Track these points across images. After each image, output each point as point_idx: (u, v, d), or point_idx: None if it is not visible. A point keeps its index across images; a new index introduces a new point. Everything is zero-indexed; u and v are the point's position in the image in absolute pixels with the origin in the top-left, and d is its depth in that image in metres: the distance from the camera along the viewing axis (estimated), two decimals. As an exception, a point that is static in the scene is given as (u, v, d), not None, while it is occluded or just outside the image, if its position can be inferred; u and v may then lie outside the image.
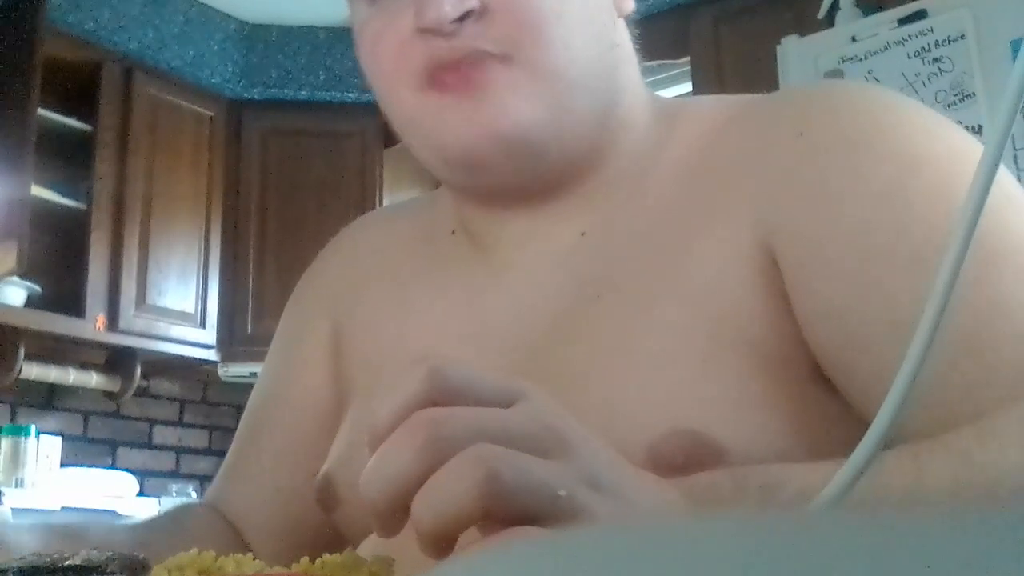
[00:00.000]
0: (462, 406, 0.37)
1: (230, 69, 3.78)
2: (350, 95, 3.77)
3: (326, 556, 0.37)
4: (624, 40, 0.70)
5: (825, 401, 0.56)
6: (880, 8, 2.59)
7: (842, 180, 0.57)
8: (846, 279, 0.54)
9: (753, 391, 0.55)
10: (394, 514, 0.36)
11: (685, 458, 0.53)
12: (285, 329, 0.85)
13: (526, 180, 0.66)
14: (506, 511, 0.34)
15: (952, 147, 0.57)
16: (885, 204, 0.55)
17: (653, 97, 0.74)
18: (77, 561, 0.35)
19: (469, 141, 0.62)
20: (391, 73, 0.65)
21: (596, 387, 0.58)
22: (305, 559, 0.36)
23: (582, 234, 0.67)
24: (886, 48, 2.45)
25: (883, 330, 0.53)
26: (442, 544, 0.34)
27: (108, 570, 0.36)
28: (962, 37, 2.33)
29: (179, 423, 3.80)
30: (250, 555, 0.37)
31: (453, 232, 0.74)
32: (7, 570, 0.36)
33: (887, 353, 0.52)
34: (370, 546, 0.65)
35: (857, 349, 0.54)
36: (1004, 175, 0.51)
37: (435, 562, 0.34)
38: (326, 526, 0.74)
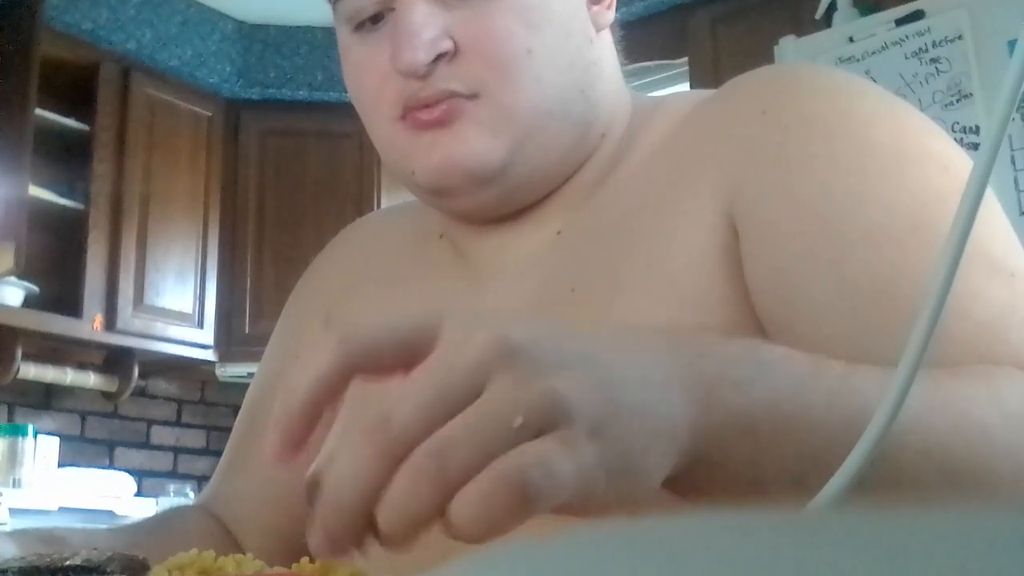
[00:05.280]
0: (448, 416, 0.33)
1: (228, 69, 3.77)
2: (348, 95, 3.77)
3: (326, 556, 0.37)
4: (603, 54, 0.71)
5: None
6: (877, 8, 2.59)
7: (799, 156, 0.59)
8: (794, 247, 0.57)
9: None
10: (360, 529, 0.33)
11: None
12: (281, 330, 0.87)
13: (495, 204, 0.68)
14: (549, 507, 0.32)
15: (904, 131, 0.60)
16: (837, 181, 0.57)
17: (635, 98, 0.75)
18: (77, 561, 0.36)
19: (434, 169, 0.65)
20: (369, 103, 0.69)
21: None
22: (305, 559, 0.36)
23: (558, 233, 0.69)
24: (883, 48, 2.45)
25: (826, 296, 0.55)
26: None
27: (108, 570, 0.36)
28: (959, 37, 2.33)
29: (177, 423, 3.80)
30: (250, 555, 0.37)
31: (441, 236, 0.76)
32: (7, 570, 0.36)
33: (828, 317, 0.55)
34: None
35: (798, 313, 0.56)
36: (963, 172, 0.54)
37: (433, 561, 0.34)
38: None
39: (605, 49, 0.71)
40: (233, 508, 0.80)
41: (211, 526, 0.80)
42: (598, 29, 0.70)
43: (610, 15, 0.71)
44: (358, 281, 0.80)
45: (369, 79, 0.68)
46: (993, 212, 0.56)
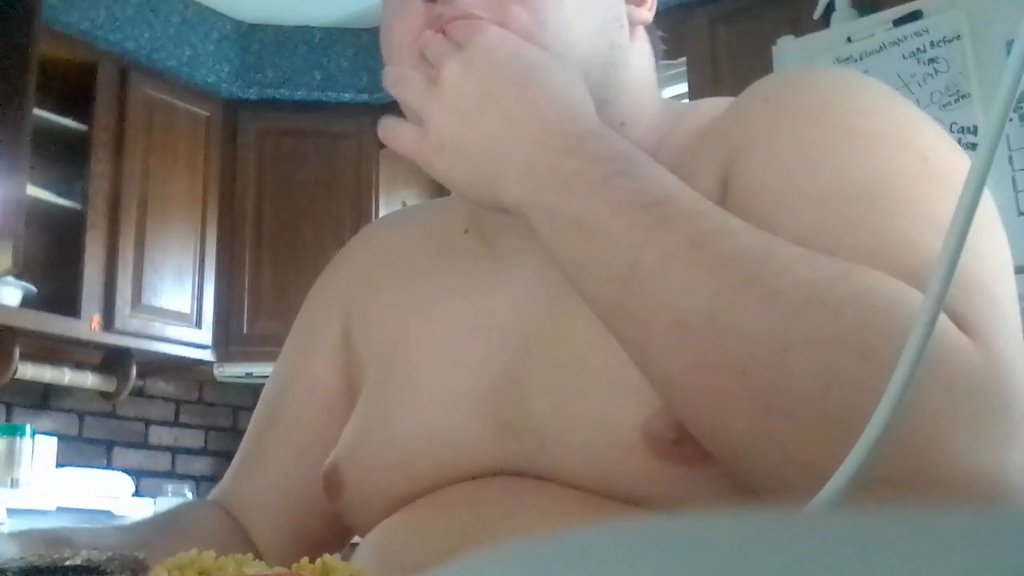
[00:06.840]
0: None
1: (226, 69, 3.77)
2: (346, 95, 3.77)
3: (326, 556, 0.37)
4: (632, 45, 0.72)
5: None
6: (876, 9, 2.59)
7: (786, 135, 0.61)
8: (759, 210, 0.58)
9: None
10: None
11: (677, 433, 0.55)
12: (298, 327, 0.87)
13: None
14: None
15: (890, 121, 0.61)
16: (810, 156, 0.59)
17: (668, 105, 0.76)
18: (77, 561, 0.36)
19: None
20: (393, 46, 0.67)
21: (591, 367, 0.61)
22: (305, 559, 0.36)
23: None
24: (881, 49, 2.45)
25: None
26: None
27: (108, 570, 0.36)
28: (957, 38, 2.34)
29: (175, 423, 3.79)
30: (250, 555, 0.37)
31: (466, 231, 0.76)
32: (7, 570, 0.36)
33: None
34: (375, 539, 0.66)
35: None
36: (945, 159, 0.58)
37: (434, 561, 0.34)
38: (333, 517, 0.74)
39: (636, 44, 0.72)
40: (247, 504, 0.80)
41: (223, 523, 0.80)
42: (632, 23, 0.71)
43: (646, 15, 0.73)
44: (378, 277, 0.81)
45: (397, 23, 0.67)
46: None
